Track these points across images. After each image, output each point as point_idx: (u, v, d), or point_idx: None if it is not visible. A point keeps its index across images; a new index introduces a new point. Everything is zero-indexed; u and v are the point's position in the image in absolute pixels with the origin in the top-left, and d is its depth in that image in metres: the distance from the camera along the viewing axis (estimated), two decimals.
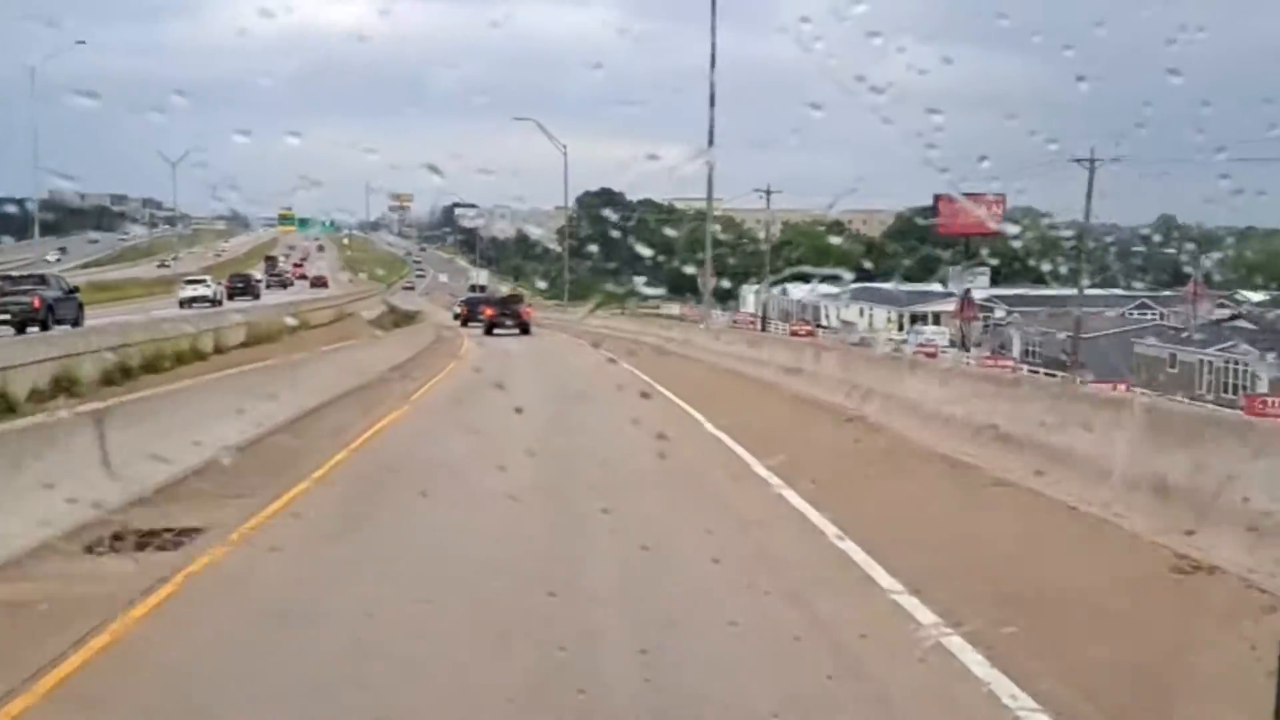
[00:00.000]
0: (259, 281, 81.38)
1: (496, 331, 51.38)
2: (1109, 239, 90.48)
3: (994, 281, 78.75)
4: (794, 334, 75.52)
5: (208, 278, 69.58)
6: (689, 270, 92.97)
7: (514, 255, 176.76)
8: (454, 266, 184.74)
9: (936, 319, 75.84)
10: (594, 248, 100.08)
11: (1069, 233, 79.92)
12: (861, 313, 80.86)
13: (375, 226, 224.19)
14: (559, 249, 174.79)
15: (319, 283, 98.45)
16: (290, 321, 44.47)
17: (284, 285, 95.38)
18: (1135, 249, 62.12)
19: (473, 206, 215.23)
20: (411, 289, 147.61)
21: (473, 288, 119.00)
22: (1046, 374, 53.11)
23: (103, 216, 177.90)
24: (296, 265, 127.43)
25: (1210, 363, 47.97)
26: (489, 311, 54.81)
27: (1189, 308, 59.50)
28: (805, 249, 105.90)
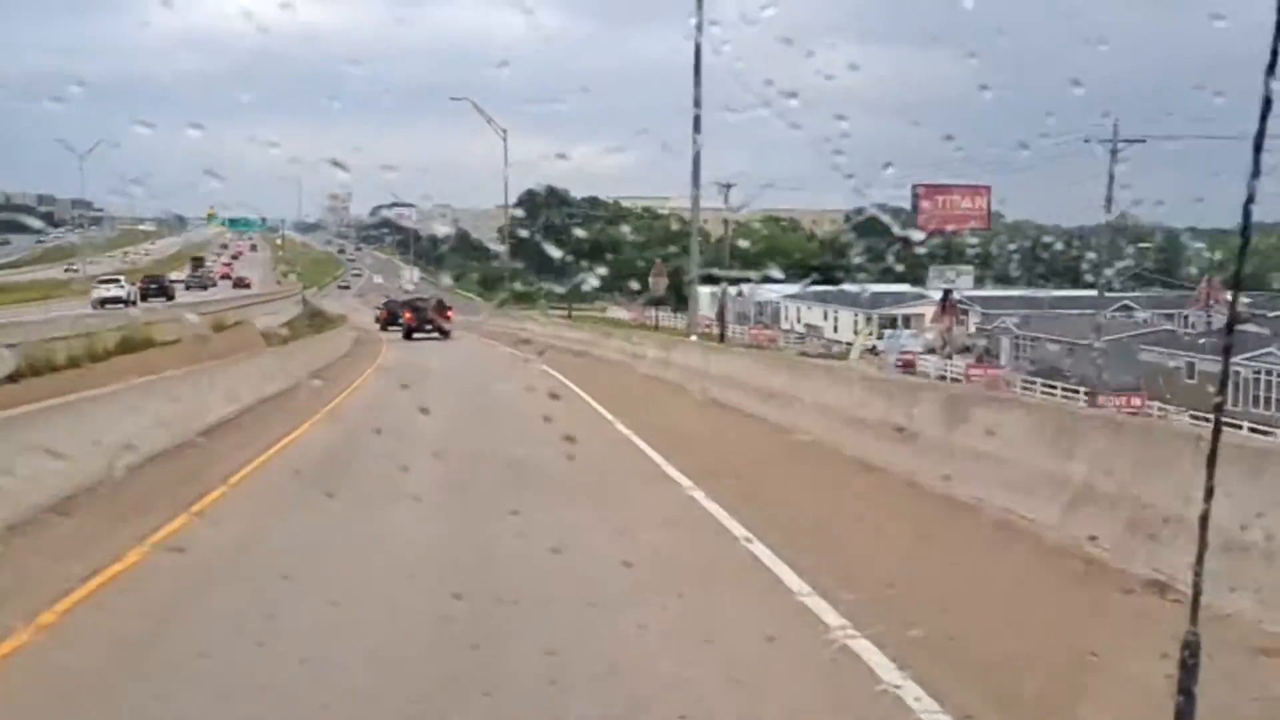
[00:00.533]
0: (174, 283, 79.77)
1: (416, 337, 49.77)
2: (1069, 240, 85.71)
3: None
4: (756, 341, 68.85)
5: (121, 279, 68.27)
6: (640, 267, 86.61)
7: (454, 255, 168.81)
8: (391, 267, 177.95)
9: (907, 322, 69.38)
10: (543, 245, 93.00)
11: (1050, 237, 75.05)
12: (825, 316, 74.10)
13: (313, 227, 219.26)
14: (499, 248, 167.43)
15: (241, 284, 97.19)
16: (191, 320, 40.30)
17: (204, 287, 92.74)
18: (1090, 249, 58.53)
19: (410, 206, 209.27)
20: (347, 288, 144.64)
21: (403, 289, 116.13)
22: (1046, 386, 46.69)
23: (26, 217, 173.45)
24: (225, 265, 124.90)
25: (1238, 373, 41.85)
26: (408, 315, 52.96)
27: (1199, 310, 53.79)
28: (761, 248, 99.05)
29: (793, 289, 77.05)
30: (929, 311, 66.00)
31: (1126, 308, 70.19)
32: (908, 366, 50.26)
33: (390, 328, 54.64)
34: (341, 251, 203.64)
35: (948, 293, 58.10)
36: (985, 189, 63.31)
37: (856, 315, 67.73)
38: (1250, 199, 3.13)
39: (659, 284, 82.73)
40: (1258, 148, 3.08)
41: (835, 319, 72.33)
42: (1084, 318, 53.91)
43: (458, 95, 68.89)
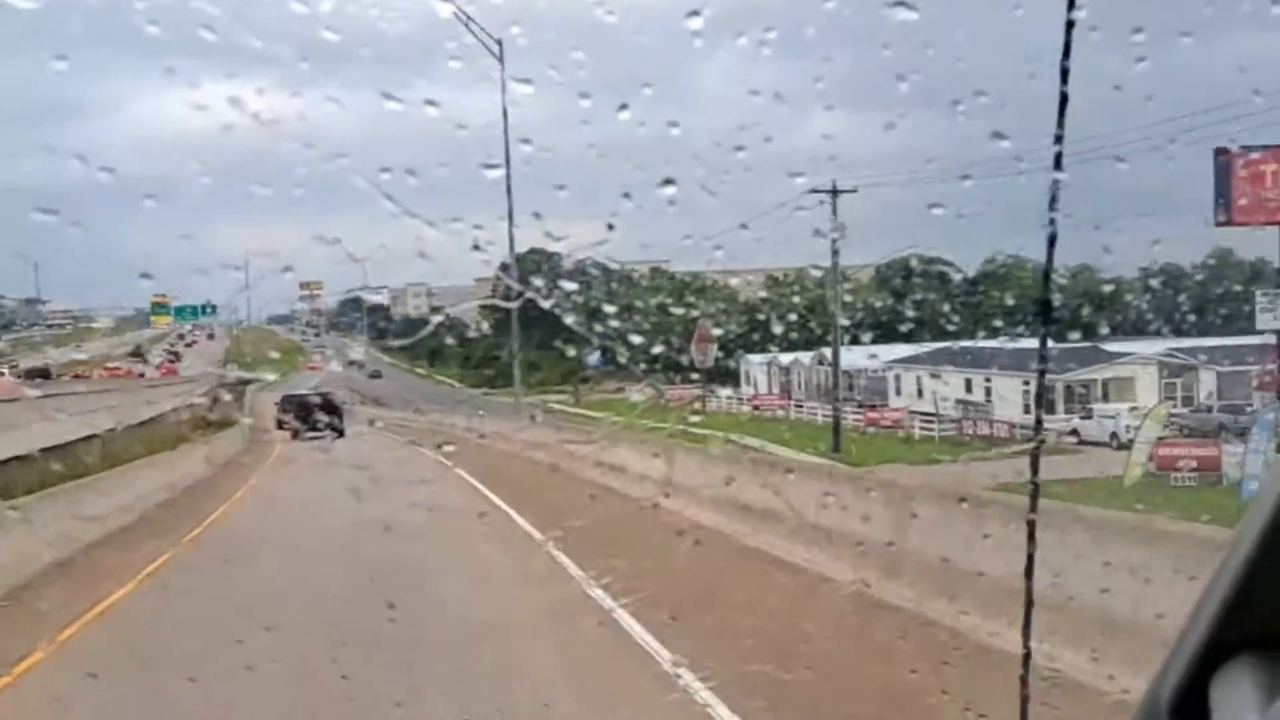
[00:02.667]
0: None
1: (308, 436, 42.67)
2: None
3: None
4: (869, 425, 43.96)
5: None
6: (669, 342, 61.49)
7: (430, 338, 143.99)
8: (370, 357, 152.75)
9: (1104, 392, 44.85)
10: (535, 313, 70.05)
11: None
12: (969, 386, 49.09)
13: (286, 318, 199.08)
14: (480, 329, 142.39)
15: (169, 372, 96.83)
16: None
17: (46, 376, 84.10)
18: None
19: (381, 289, 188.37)
20: (317, 370, 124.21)
21: (350, 363, 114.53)
22: None
23: None
24: (172, 358, 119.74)
25: None
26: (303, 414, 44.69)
27: None
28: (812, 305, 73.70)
29: (903, 350, 52.70)
30: (1140, 373, 41.57)
31: None
32: None
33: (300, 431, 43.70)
34: (305, 340, 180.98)
35: None
36: None
37: (1027, 383, 43.09)
38: None
39: (705, 351, 57.55)
40: None
41: (988, 388, 47.40)
42: None
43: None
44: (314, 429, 42.25)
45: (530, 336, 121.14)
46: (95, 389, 46.88)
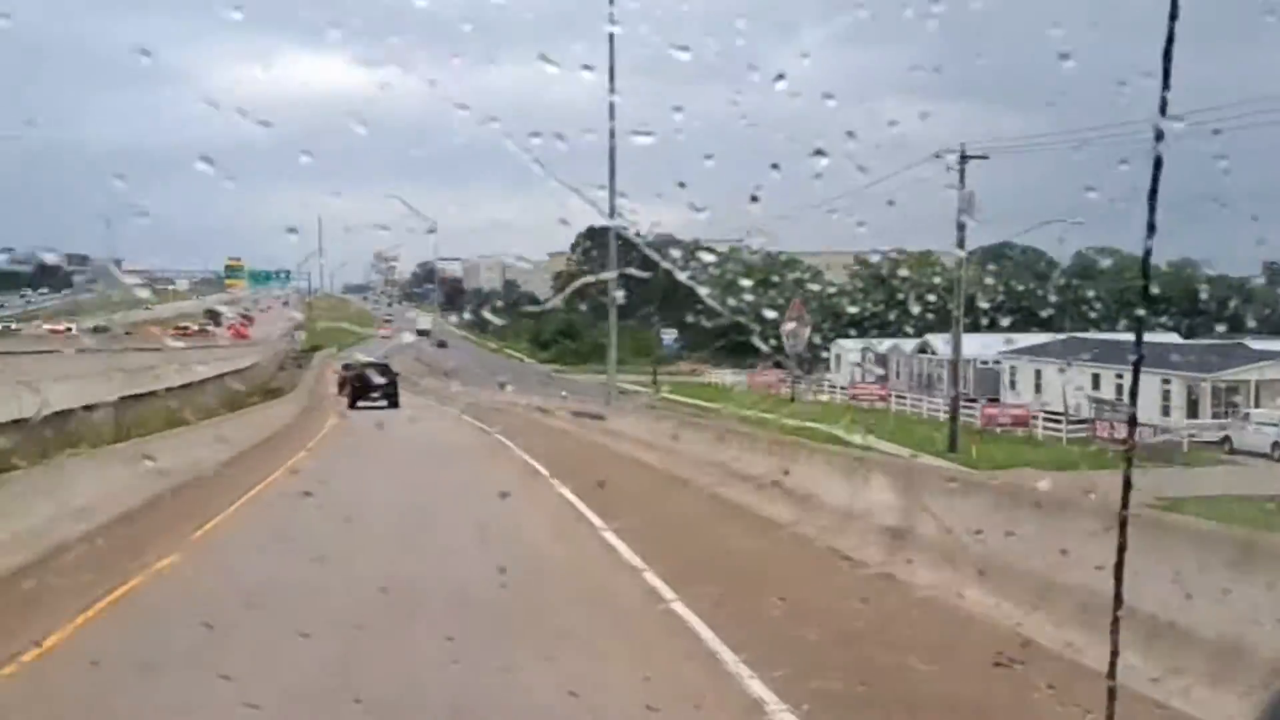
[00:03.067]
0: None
1: (361, 405, 41.81)
2: None
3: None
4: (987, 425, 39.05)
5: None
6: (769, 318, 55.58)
7: (503, 312, 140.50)
8: (438, 327, 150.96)
9: (1256, 396, 39.31)
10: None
11: None
12: (1097, 382, 43.54)
13: (362, 288, 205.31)
14: (553, 301, 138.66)
15: (239, 335, 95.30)
16: None
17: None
18: None
19: (454, 260, 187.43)
20: (389, 337, 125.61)
21: (418, 332, 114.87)
22: None
23: (50, 276, 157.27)
24: (244, 320, 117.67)
25: None
26: (358, 383, 44.65)
27: None
28: (915, 288, 68.69)
29: (1021, 340, 47.35)
30: None
31: None
32: None
33: (360, 402, 43.47)
34: (375, 308, 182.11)
35: None
36: None
37: (1168, 381, 37.65)
38: None
39: (798, 334, 52.81)
40: None
41: (1118, 384, 41.81)
42: None
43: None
44: (369, 398, 42.02)
45: (602, 314, 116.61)
46: (138, 347, 42.88)
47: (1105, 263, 56.18)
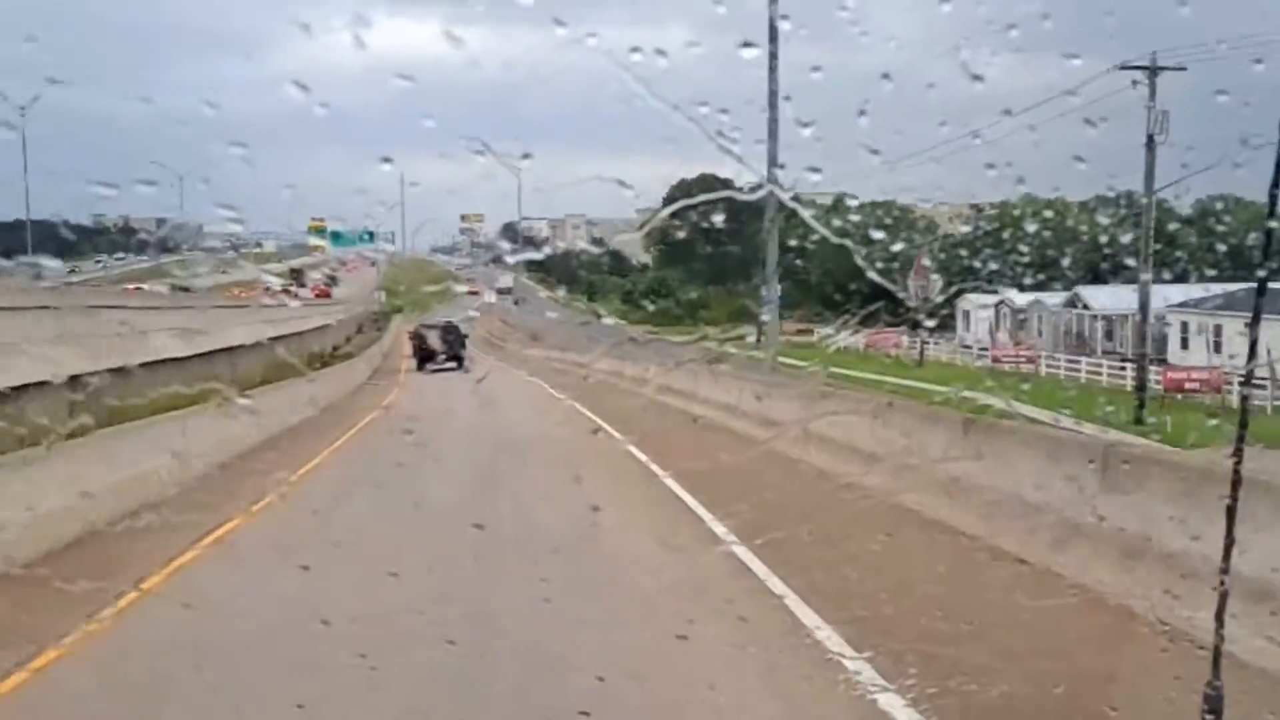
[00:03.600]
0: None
1: (430, 368, 41.43)
2: None
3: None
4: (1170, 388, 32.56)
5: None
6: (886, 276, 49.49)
7: (591, 270, 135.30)
8: (518, 285, 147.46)
9: None
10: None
11: None
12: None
13: (449, 249, 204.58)
14: (643, 259, 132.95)
15: (322, 294, 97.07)
16: None
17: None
18: None
19: (542, 220, 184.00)
20: (477, 294, 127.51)
21: (500, 290, 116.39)
22: None
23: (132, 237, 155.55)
24: (329, 280, 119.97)
25: None
26: (424, 345, 43.86)
27: None
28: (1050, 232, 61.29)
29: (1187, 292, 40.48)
30: None
31: None
32: None
33: (428, 365, 42.76)
34: (459, 270, 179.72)
35: None
36: None
37: None
38: None
39: (925, 287, 46.55)
40: None
41: None
42: None
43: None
44: (437, 360, 41.17)
45: (693, 271, 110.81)
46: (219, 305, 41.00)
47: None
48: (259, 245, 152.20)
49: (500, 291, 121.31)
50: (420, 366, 42.11)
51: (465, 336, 48.09)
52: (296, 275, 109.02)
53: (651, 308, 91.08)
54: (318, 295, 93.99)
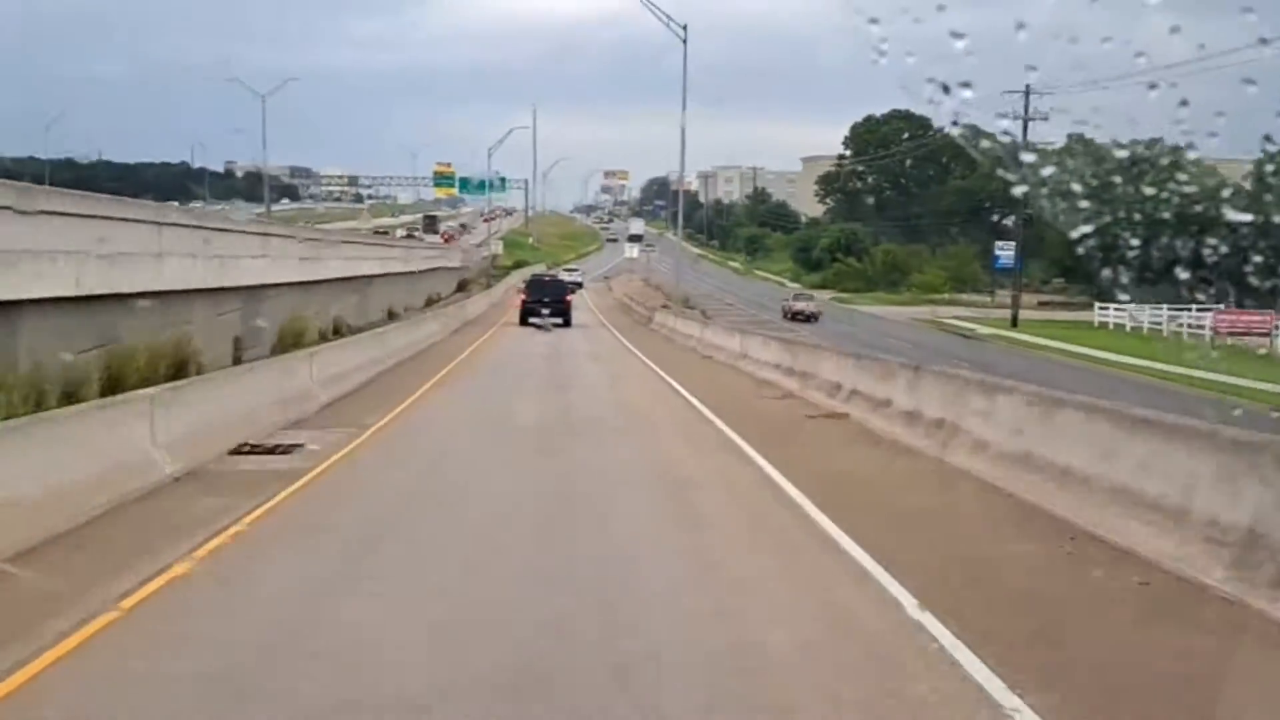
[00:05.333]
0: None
1: (532, 322, 38.99)
2: None
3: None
4: None
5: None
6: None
7: (748, 223, 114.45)
8: (663, 241, 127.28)
9: None
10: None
11: None
12: None
13: (592, 208, 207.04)
14: (815, 212, 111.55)
15: (448, 239, 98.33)
16: None
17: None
18: None
19: (688, 175, 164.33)
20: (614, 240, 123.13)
21: (631, 237, 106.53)
22: None
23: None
24: (460, 229, 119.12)
25: None
26: (529, 297, 41.28)
27: None
28: None
29: None
30: None
31: None
32: None
33: (531, 319, 39.16)
34: (600, 225, 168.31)
35: None
36: None
37: None
38: None
39: None
40: None
41: None
42: None
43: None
44: (540, 314, 39.05)
45: (887, 231, 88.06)
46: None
47: None
48: (396, 198, 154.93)
49: (632, 238, 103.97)
50: (523, 320, 39.44)
51: (574, 287, 47.73)
52: (430, 222, 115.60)
53: (833, 269, 69.61)
54: (446, 240, 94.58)
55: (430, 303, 49.12)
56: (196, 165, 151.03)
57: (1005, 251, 56.05)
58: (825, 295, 61.01)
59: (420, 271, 53.18)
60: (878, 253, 70.74)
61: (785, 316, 49.35)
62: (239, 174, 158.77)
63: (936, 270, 65.16)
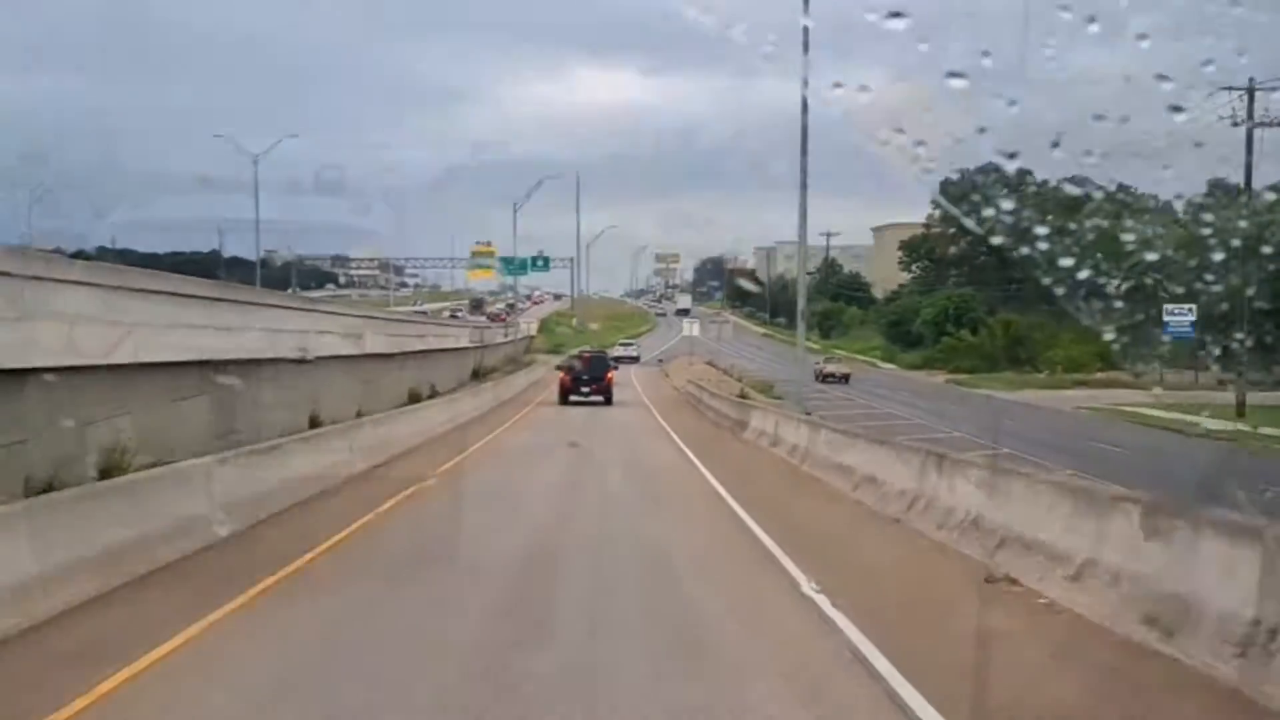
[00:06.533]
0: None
1: (573, 400, 38.94)
2: None
3: None
4: None
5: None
6: None
7: (818, 297, 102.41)
8: (719, 321, 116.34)
9: None
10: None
11: None
12: None
13: (644, 291, 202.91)
14: (891, 285, 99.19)
15: (497, 319, 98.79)
16: None
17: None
18: None
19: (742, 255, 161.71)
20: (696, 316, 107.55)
21: (679, 311, 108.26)
22: None
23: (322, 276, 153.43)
24: (507, 310, 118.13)
25: None
26: (573, 377, 41.12)
27: None
28: None
29: None
30: None
31: None
32: None
33: (572, 397, 39.50)
34: (650, 307, 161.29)
35: None
36: None
37: None
38: None
39: None
40: None
41: None
42: None
43: None
44: (580, 393, 39.00)
45: (1002, 300, 73.57)
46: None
47: None
48: (439, 286, 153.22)
49: (679, 312, 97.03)
50: (564, 399, 38.76)
51: (614, 366, 45.37)
52: (477, 304, 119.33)
53: (938, 346, 56.75)
54: (492, 320, 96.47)
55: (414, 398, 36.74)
56: (228, 254, 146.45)
57: (1178, 318, 43.37)
58: (939, 378, 48.54)
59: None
60: (997, 324, 57.99)
61: (817, 379, 50.06)
62: (277, 263, 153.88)
63: (1072, 342, 52.07)
